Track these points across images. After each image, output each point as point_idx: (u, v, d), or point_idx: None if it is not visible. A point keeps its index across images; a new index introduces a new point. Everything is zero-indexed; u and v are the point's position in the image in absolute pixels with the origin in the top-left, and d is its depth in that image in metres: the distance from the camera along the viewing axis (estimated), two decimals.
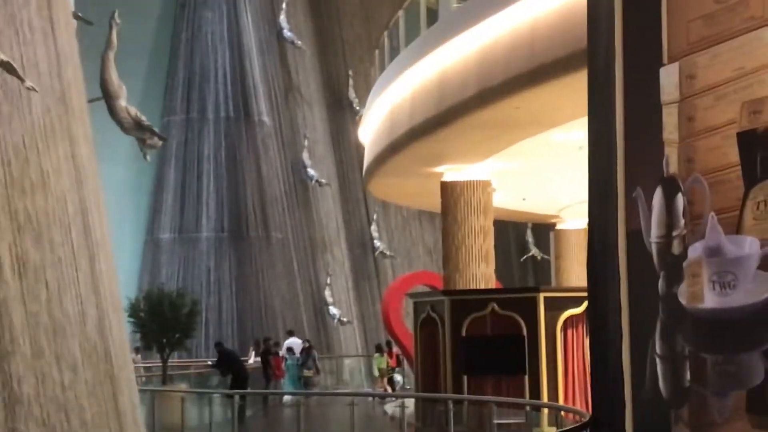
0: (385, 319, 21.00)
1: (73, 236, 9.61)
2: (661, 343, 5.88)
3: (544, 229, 25.58)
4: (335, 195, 31.31)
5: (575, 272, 19.97)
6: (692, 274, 5.52)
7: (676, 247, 5.63)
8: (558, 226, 21.69)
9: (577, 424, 8.66)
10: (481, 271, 15.39)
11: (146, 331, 18.73)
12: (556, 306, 12.97)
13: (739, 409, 5.26)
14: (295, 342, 20.18)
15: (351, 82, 30.59)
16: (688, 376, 5.69)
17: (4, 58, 7.67)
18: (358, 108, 29.24)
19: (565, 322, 12.97)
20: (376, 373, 20.28)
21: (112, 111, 12.65)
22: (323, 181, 30.54)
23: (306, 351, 19.75)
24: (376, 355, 20.71)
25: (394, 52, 16.74)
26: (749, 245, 4.89)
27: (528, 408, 13.17)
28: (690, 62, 5.47)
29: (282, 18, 29.09)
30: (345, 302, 28.51)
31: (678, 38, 5.68)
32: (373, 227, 31.12)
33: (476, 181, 15.71)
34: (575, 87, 9.55)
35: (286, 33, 29.18)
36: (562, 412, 12.13)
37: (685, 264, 5.56)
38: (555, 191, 18.55)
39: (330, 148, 31.10)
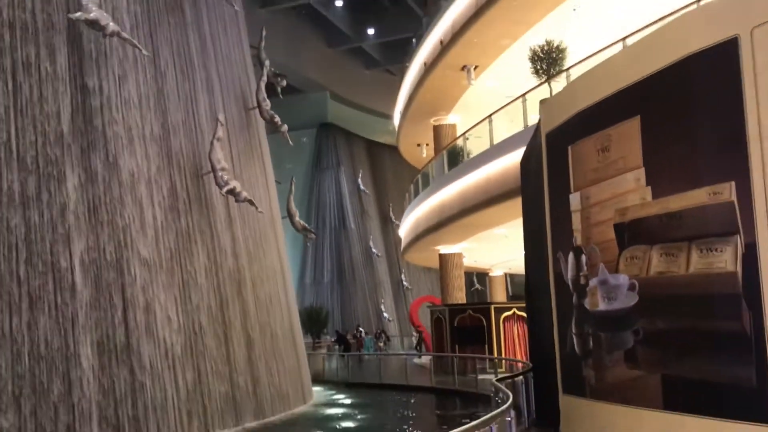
0: (410, 318, 37.42)
1: (278, 282, 19.87)
2: (575, 328, 9.51)
3: (482, 275, 41.69)
4: (384, 261, 55.06)
5: (498, 296, 33.99)
6: (592, 293, 9.02)
7: (581, 280, 9.35)
8: (490, 274, 36.35)
9: (527, 368, 12.30)
10: (458, 296, 27.32)
11: (306, 325, 32.98)
12: (499, 311, 23.16)
13: (620, 359, 8.60)
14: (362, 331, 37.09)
15: (391, 209, 54.39)
16: (591, 343, 9.11)
17: (249, 196, 16.91)
18: (394, 221, 52.48)
19: (503, 318, 23.01)
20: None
21: (292, 222, 21.70)
22: (379, 254, 53.80)
23: (376, 334, 34.32)
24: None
25: (411, 196, 29.06)
26: (622, 279, 8.27)
27: (493, 361, 21.44)
28: (586, 191, 9.04)
29: (359, 179, 53.57)
30: (390, 310, 51.09)
31: (578, 179, 9.31)
32: (403, 275, 55.07)
33: (455, 253, 27.67)
34: (506, 207, 19.25)
35: (361, 186, 53.38)
36: (509, 363, 21.16)
37: (588, 289, 9.09)
38: (489, 257, 30.58)
39: (381, 239, 55.71)
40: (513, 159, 18.83)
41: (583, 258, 9.71)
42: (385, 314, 50.96)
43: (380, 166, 58.53)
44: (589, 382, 9.68)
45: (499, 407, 9.50)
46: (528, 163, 13.49)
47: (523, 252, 27.75)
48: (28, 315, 10.29)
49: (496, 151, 20.30)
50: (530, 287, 13.45)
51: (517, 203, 18.74)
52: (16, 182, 10.52)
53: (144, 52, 12.90)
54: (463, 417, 14.85)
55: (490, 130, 21.38)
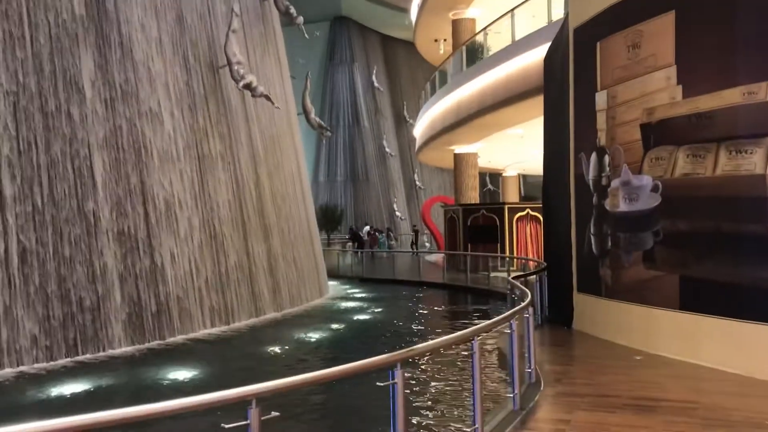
0: (422, 217, 37.72)
1: (294, 180, 19.85)
2: (594, 228, 9.87)
3: (495, 176, 41.29)
4: (397, 160, 54.79)
5: (511, 197, 33.84)
6: (613, 194, 9.26)
7: (603, 181, 9.61)
8: (504, 174, 36.20)
9: (542, 266, 12.30)
10: (471, 196, 27.38)
11: (321, 223, 33.09)
12: (512, 211, 23.32)
13: (638, 260, 8.86)
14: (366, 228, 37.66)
15: (405, 107, 53.87)
16: (609, 244, 9.45)
17: (266, 91, 16.90)
18: (408, 120, 52.72)
19: (516, 218, 23.22)
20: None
21: (307, 119, 21.98)
22: (393, 153, 53.44)
23: (387, 232, 34.79)
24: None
25: (427, 95, 28.58)
26: (645, 180, 8.45)
27: (505, 259, 21.67)
28: (613, 90, 9.24)
29: (373, 76, 52.72)
30: (402, 210, 51.80)
31: (606, 77, 9.46)
32: (416, 175, 55.35)
33: (471, 153, 27.43)
34: (525, 106, 19.01)
35: (375, 83, 52.56)
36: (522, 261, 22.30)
37: (609, 189, 9.35)
38: (504, 157, 30.40)
39: (395, 138, 55.35)
40: (535, 56, 18.40)
41: (606, 158, 9.69)
42: (397, 213, 51.39)
43: (395, 63, 57.32)
44: (605, 281, 9.91)
45: (515, 304, 9.70)
46: (552, 60, 13.22)
47: (539, 152, 27.53)
48: (51, 208, 10.38)
49: (517, 47, 19.74)
50: (548, 187, 13.49)
51: (536, 102, 18.55)
52: (31, 75, 10.37)
53: (276, 106, 15.12)
54: (474, 312, 15.22)
55: (512, 25, 20.71)
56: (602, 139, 9.86)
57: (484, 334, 6.81)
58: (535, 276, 12.61)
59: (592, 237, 10.22)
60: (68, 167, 10.69)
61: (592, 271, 10.18)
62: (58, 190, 10.50)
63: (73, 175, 10.73)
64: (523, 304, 6.99)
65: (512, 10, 20.76)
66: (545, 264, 12.80)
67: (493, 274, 19.50)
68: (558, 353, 9.18)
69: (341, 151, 51.67)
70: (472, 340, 5.32)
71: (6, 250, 9.74)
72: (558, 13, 18.43)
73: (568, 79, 11.27)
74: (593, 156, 10.12)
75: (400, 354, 4.33)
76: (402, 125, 55.92)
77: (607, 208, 9.68)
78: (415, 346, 4.69)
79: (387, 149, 53.27)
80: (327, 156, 51.47)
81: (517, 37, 20.33)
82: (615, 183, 9.48)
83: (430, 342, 4.98)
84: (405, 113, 55.10)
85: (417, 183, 55.52)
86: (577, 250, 10.78)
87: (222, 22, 14.61)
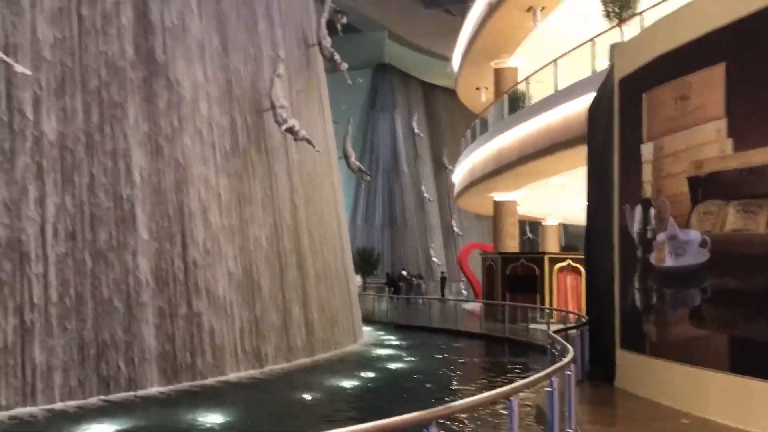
0: (459, 264, 37.44)
1: (333, 223, 19.15)
2: (638, 282, 9.41)
3: (535, 224, 40.74)
4: (435, 206, 55.05)
5: (551, 246, 33.22)
6: (659, 248, 8.85)
7: (648, 234, 9.15)
8: (543, 223, 35.75)
9: (583, 320, 12.26)
10: (510, 244, 26.99)
11: (358, 266, 33.00)
12: (553, 261, 22.90)
13: (684, 317, 8.44)
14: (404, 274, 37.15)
15: (445, 154, 54.12)
16: (654, 299, 8.95)
17: (307, 135, 16.47)
18: (448, 166, 52.38)
19: (557, 269, 22.76)
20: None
21: (348, 163, 21.57)
22: (431, 199, 53.74)
23: (415, 276, 35.54)
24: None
25: (467, 141, 28.57)
26: (693, 234, 8.07)
27: (544, 311, 21.22)
28: (660, 141, 8.83)
29: (414, 123, 53.35)
30: (439, 255, 51.40)
31: (652, 128, 9.14)
32: (454, 221, 54.83)
33: (510, 200, 27.11)
34: (567, 156, 18.89)
35: (416, 130, 53.31)
36: (558, 313, 21.17)
37: (654, 243, 8.90)
38: (544, 206, 30.08)
39: (434, 184, 55.68)
40: (578, 106, 18.27)
41: (652, 211, 9.43)
42: (434, 259, 51.02)
43: (435, 110, 57.76)
44: (650, 338, 9.50)
45: (555, 358, 9.36)
46: (597, 110, 13.03)
47: (580, 202, 27.07)
48: (91, 247, 10.46)
49: (560, 97, 19.64)
50: (590, 239, 13.17)
51: (578, 152, 18.27)
52: (79, 111, 10.58)
53: (317, 150, 15.04)
54: (513, 365, 14.82)
55: (555, 75, 20.66)
56: (647, 191, 9.59)
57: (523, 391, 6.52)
58: (576, 330, 12.23)
59: (636, 291, 9.88)
60: (111, 208, 10.78)
61: (636, 326, 9.80)
62: (99, 230, 10.58)
63: (114, 216, 10.83)
64: (564, 361, 6.72)
65: (556, 60, 20.74)
66: (587, 317, 12.43)
67: (532, 326, 19.03)
68: (600, 412, 8.80)
69: (380, 196, 51.96)
70: (511, 398, 5.10)
71: (45, 287, 9.80)
72: (602, 65, 18.41)
73: (612, 130, 11.06)
74: (638, 208, 9.85)
75: (435, 411, 4.15)
76: (441, 171, 56.05)
77: (653, 262, 9.36)
78: (451, 404, 4.49)
79: (425, 195, 53.34)
80: (366, 200, 51.73)
81: (560, 87, 20.25)
82: (661, 237, 9.18)
83: (468, 399, 4.77)
84: (444, 159, 55.26)
85: (455, 229, 55.29)
86: (621, 304, 10.42)
87: (267, 67, 14.82)
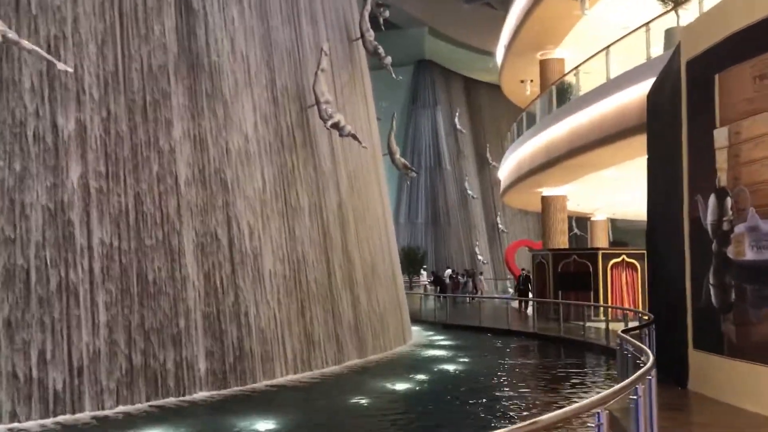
0: (505, 261, 38.44)
1: (380, 221, 18.76)
2: (713, 278, 8.98)
3: (582, 220, 39.71)
4: (479, 203, 54.04)
5: (599, 242, 32.71)
6: (737, 241, 8.42)
7: (724, 226, 8.77)
8: (592, 218, 34.89)
9: (649, 321, 11.39)
10: (560, 240, 26.18)
11: (403, 265, 32.26)
12: (607, 257, 22.12)
13: None
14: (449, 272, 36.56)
15: (488, 150, 53.45)
16: (733, 296, 8.50)
17: (353, 131, 16.03)
18: (491, 162, 52.25)
19: (611, 265, 21.98)
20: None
21: (392, 159, 21.42)
22: (475, 196, 52.53)
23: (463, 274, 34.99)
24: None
25: (513, 136, 27.98)
26: None
27: (598, 309, 20.25)
28: (736, 125, 8.41)
29: (456, 119, 52.73)
30: (484, 253, 50.58)
31: (727, 112, 8.68)
32: (498, 218, 53.91)
33: (559, 195, 26.36)
34: (620, 147, 18.03)
35: (458, 126, 52.51)
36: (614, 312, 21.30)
37: (732, 236, 8.50)
38: (594, 200, 29.13)
39: (477, 181, 54.71)
40: (634, 94, 17.56)
41: (728, 201, 8.80)
42: (479, 257, 50.11)
43: (478, 105, 56.73)
44: (729, 338, 8.88)
45: (626, 362, 8.73)
46: (658, 96, 12.42)
47: (632, 196, 26.28)
48: (136, 249, 10.20)
49: (613, 85, 18.85)
50: (654, 233, 12.56)
51: (634, 142, 17.59)
52: (122, 108, 10.32)
53: (364, 145, 14.70)
54: (571, 366, 14.17)
55: (607, 63, 19.87)
56: (723, 179, 8.98)
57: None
58: (640, 330, 11.55)
59: (711, 288, 9.26)
60: (156, 206, 10.53)
61: (712, 326, 9.20)
62: (143, 230, 10.33)
63: (159, 215, 10.57)
64: (647, 365, 6.13)
65: (608, 47, 19.95)
66: (649, 316, 11.79)
67: (589, 324, 18.28)
68: (679, 420, 8.16)
69: (422, 194, 51.08)
70: (598, 410, 4.56)
71: (91, 291, 9.55)
72: (656, 51, 17.67)
73: (679, 116, 10.43)
74: (712, 198, 9.23)
75: (521, 428, 3.63)
76: (484, 168, 54.94)
77: (731, 256, 8.75)
78: (537, 419, 3.96)
79: (469, 192, 52.37)
80: (408, 198, 50.93)
81: (612, 76, 19.48)
82: (740, 228, 8.57)
83: (551, 415, 4.21)
84: (488, 155, 54.18)
85: (500, 226, 54.15)
86: (693, 302, 9.81)
87: (310, 62, 14.47)
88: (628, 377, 8.76)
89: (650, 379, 6.26)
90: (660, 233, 12.00)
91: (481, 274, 39.82)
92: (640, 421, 5.56)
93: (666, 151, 11.44)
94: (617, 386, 5.22)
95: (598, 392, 10.53)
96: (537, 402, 10.27)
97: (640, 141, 16.87)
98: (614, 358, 14.30)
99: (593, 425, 4.53)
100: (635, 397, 5.51)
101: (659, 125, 12.30)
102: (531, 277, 27.86)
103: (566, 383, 12.04)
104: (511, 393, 11.33)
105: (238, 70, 12.41)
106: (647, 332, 11.02)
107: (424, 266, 41.52)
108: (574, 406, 4.54)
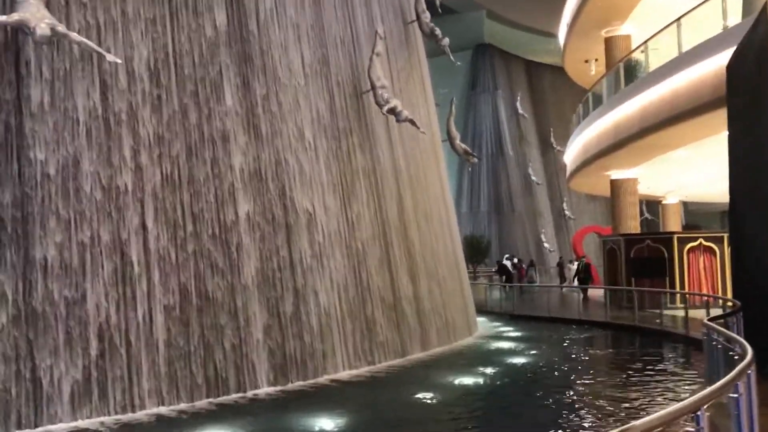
0: (573, 248, 37.02)
1: (440, 209, 18.84)
2: None
3: (652, 204, 38.19)
4: (544, 189, 52.53)
5: (672, 226, 30.84)
6: None
7: None
8: (663, 202, 33.06)
9: (735, 308, 10.65)
10: (631, 225, 25.01)
11: (466, 255, 30.96)
12: (682, 242, 21.13)
13: None
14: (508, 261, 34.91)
15: (552, 134, 51.58)
16: None
17: (410, 116, 15.75)
18: (556, 147, 50.72)
19: (687, 250, 20.98)
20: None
21: (452, 144, 21.63)
22: (539, 182, 51.17)
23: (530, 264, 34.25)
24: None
25: (579, 118, 26.86)
26: None
27: (674, 296, 19.63)
28: None
29: (518, 103, 51.54)
30: (551, 241, 49.07)
31: None
32: (564, 204, 52.21)
33: (630, 178, 25.14)
34: (693, 125, 17.23)
35: (520, 110, 51.04)
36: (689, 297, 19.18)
37: None
38: (664, 183, 27.70)
39: (542, 166, 53.16)
40: (708, 67, 16.61)
41: None
42: (545, 244, 48.75)
43: (540, 89, 55.12)
44: None
45: (714, 353, 8.00)
46: (739, 66, 11.53)
47: (705, 176, 24.94)
48: (194, 243, 9.96)
49: (685, 59, 17.80)
50: (737, 214, 11.69)
51: (708, 119, 16.66)
52: (175, 99, 10.08)
53: (422, 131, 14.31)
54: (649, 357, 13.36)
55: (678, 36, 18.76)
56: None
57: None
58: (724, 318, 10.71)
59: None
60: (212, 200, 10.29)
61: None
62: (201, 222, 10.09)
63: (216, 208, 10.31)
64: (747, 359, 5.45)
65: (679, 18, 18.82)
66: (737, 303, 10.97)
67: (666, 312, 17.33)
68: None
69: (484, 181, 49.99)
70: (698, 412, 3.97)
71: (149, 284, 9.36)
72: (733, 22, 16.58)
73: (766, 85, 9.56)
74: None
75: None
76: (549, 152, 53.30)
77: None
78: (631, 425, 3.41)
79: (533, 178, 50.97)
80: (470, 186, 49.84)
81: (683, 49, 18.42)
82: None
83: (646, 420, 3.65)
84: (552, 140, 52.54)
85: (566, 212, 52.50)
86: None
87: (366, 46, 14.02)
88: (716, 370, 8.05)
89: (749, 374, 5.59)
90: (745, 214, 11.14)
91: (566, 261, 38.20)
92: (743, 420, 4.91)
93: (750, 124, 10.64)
94: (717, 384, 4.59)
95: (686, 388, 9.86)
96: (617, 398, 9.57)
97: (716, 117, 15.95)
98: (696, 348, 13.50)
99: (692, 429, 3.99)
100: (735, 395, 4.88)
101: (742, 97, 11.45)
102: (591, 264, 27.70)
103: (646, 376, 11.28)
104: (588, 388, 10.67)
105: (291, 57, 12.05)
106: (734, 320, 10.22)
107: (507, 255, 40.16)
108: (672, 408, 3.95)
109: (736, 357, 6.75)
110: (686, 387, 10.15)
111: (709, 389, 4.40)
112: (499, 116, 51.43)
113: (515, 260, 36.05)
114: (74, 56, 9.11)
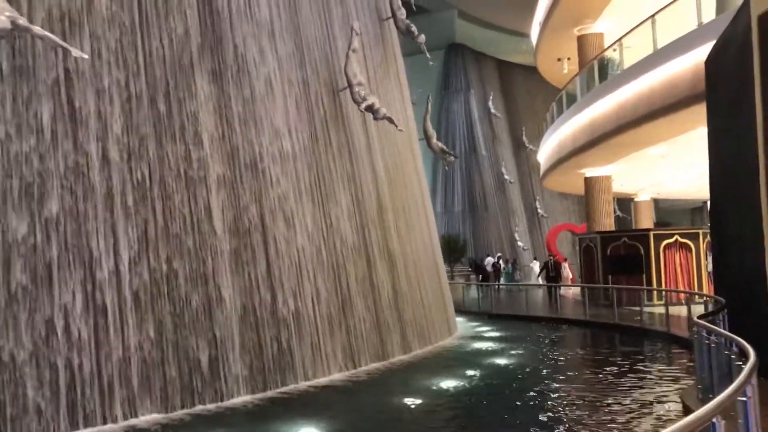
0: (547, 246, 37.40)
1: (419, 208, 18.58)
2: None
3: (623, 201, 38.70)
4: (516, 188, 52.76)
5: (644, 223, 31.25)
6: None
7: None
8: (635, 199, 33.48)
9: (721, 305, 10.42)
10: (605, 223, 25.11)
11: (443, 254, 31.38)
12: (658, 238, 21.04)
13: None
14: (490, 260, 34.71)
15: (524, 133, 52.37)
16: None
17: (388, 114, 15.52)
18: (528, 146, 51.56)
19: (663, 246, 20.91)
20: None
21: (429, 144, 21.20)
22: (512, 181, 51.25)
23: (513, 263, 34.20)
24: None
25: (552, 117, 26.81)
26: None
27: (651, 293, 19.65)
28: None
29: (490, 102, 51.62)
30: (524, 239, 49.42)
31: None
32: (537, 203, 52.74)
33: (604, 176, 25.33)
34: (670, 121, 17.27)
35: (492, 110, 51.27)
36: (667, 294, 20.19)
37: None
38: (638, 180, 27.95)
39: (514, 165, 53.41)
40: (684, 63, 16.66)
41: None
42: (519, 243, 48.86)
43: (512, 88, 55.34)
44: None
45: (707, 353, 7.82)
46: (719, 60, 11.45)
47: (680, 173, 24.94)
48: (166, 246, 9.53)
49: (661, 55, 17.86)
50: (719, 209, 11.69)
51: (687, 115, 16.73)
52: (144, 95, 9.65)
53: (400, 128, 14.28)
54: (632, 356, 13.24)
55: (653, 32, 18.84)
56: None
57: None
58: (711, 315, 10.57)
59: None
60: (185, 201, 9.86)
61: None
62: (173, 225, 9.67)
63: (189, 210, 9.90)
64: (751, 361, 5.25)
65: (653, 15, 18.85)
66: (721, 300, 10.90)
67: (647, 310, 17.26)
68: None
69: (458, 181, 50.03)
70: (713, 420, 3.74)
71: (119, 291, 8.92)
72: (708, 19, 16.67)
73: (749, 77, 9.40)
74: None
75: None
76: (521, 151, 53.66)
77: None
78: None
79: (506, 176, 51.13)
80: (444, 185, 49.83)
81: (658, 46, 18.49)
82: None
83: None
84: (524, 139, 52.86)
85: (539, 211, 52.82)
86: None
87: (341, 44, 13.70)
88: (709, 369, 7.87)
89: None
90: (728, 209, 11.07)
91: (516, 264, 38.38)
92: (751, 423, 4.70)
93: (730, 118, 10.57)
94: (729, 389, 4.36)
95: (675, 387, 9.67)
96: (607, 401, 9.35)
97: (692, 113, 16.01)
98: (679, 345, 13.44)
99: None
100: (744, 398, 4.66)
101: (722, 92, 11.39)
102: (564, 262, 28.43)
103: (632, 376, 11.11)
104: (575, 390, 10.44)
105: (265, 55, 11.66)
106: (720, 318, 10.10)
107: (499, 254, 39.87)
108: (687, 420, 3.68)
109: (732, 356, 6.58)
110: (675, 386, 10.00)
111: (721, 396, 4.17)
112: (471, 116, 51.50)
113: (497, 259, 35.98)
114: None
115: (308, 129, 12.46)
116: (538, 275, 32.76)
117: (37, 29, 8.20)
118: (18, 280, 8.04)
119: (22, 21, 8.05)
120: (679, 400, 8.69)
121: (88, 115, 8.97)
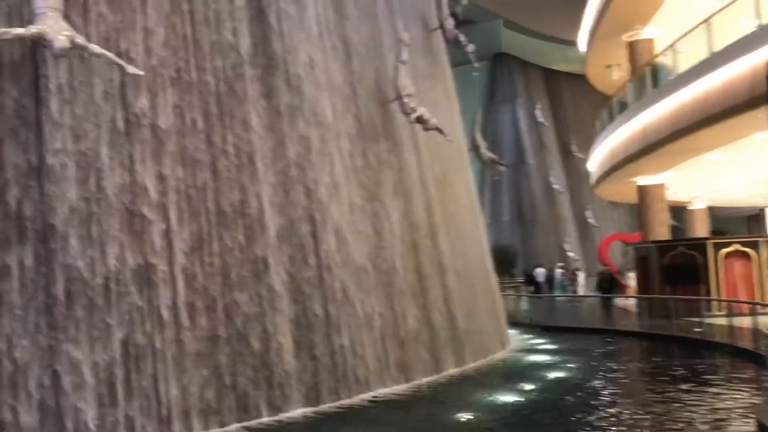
0: (599, 256, 37.05)
1: (469, 218, 17.84)
2: None
3: (676, 209, 35.59)
4: (566, 197, 51.60)
5: (698, 232, 30.41)
6: None
7: None
8: (689, 207, 32.60)
9: None
10: (660, 232, 24.39)
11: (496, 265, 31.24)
12: (717, 247, 20.62)
13: None
14: (541, 271, 33.97)
15: (573, 142, 51.22)
16: None
17: (437, 123, 15.18)
18: (576, 154, 50.03)
19: (722, 255, 20.40)
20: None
21: (478, 154, 21.62)
22: (561, 190, 50.41)
23: (568, 275, 33.98)
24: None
25: (603, 124, 26.33)
26: None
27: (710, 303, 19.14)
28: None
29: (537, 111, 51.11)
30: (575, 249, 48.45)
31: None
32: (588, 212, 51.27)
33: (657, 184, 24.60)
34: (727, 126, 16.91)
35: (539, 119, 50.71)
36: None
37: None
38: (692, 188, 27.24)
39: (563, 174, 52.17)
40: (741, 66, 16.18)
41: None
42: (569, 253, 47.88)
43: (559, 97, 54.45)
44: None
45: None
46: None
47: (738, 179, 24.24)
48: (220, 258, 9.58)
49: (718, 59, 17.38)
50: None
51: (743, 119, 16.28)
52: (197, 113, 9.74)
53: (449, 138, 14.07)
54: (694, 369, 12.78)
55: (708, 35, 18.35)
56: None
57: None
58: None
59: None
60: (238, 219, 9.90)
61: None
62: (228, 242, 9.70)
63: (243, 227, 9.93)
64: None
65: (708, 18, 18.39)
66: None
67: (708, 321, 16.71)
68: None
69: (506, 191, 49.36)
70: None
71: (174, 306, 8.98)
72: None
73: None
74: None
75: None
76: (570, 160, 52.39)
77: None
78: None
79: (555, 186, 50.24)
80: (491, 196, 49.18)
81: (715, 49, 17.99)
82: None
83: None
84: (572, 147, 51.86)
85: (590, 220, 51.72)
86: None
87: (389, 55, 13.66)
88: None
89: None
90: None
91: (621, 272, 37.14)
92: None
93: None
94: None
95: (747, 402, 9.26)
96: (675, 416, 8.99)
97: (750, 117, 15.54)
98: (741, 358, 12.95)
99: None
100: None
101: None
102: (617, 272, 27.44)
103: (698, 391, 10.69)
104: (638, 405, 10.08)
105: (316, 69, 11.68)
106: None
107: (560, 264, 39.15)
108: None
109: None
110: (745, 402, 9.59)
111: None
112: (518, 125, 50.89)
113: (559, 269, 35.26)
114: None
115: (359, 140, 12.42)
116: (595, 287, 32.07)
117: (94, 47, 8.37)
118: None
119: (80, 40, 8.23)
120: (752, 416, 8.29)
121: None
